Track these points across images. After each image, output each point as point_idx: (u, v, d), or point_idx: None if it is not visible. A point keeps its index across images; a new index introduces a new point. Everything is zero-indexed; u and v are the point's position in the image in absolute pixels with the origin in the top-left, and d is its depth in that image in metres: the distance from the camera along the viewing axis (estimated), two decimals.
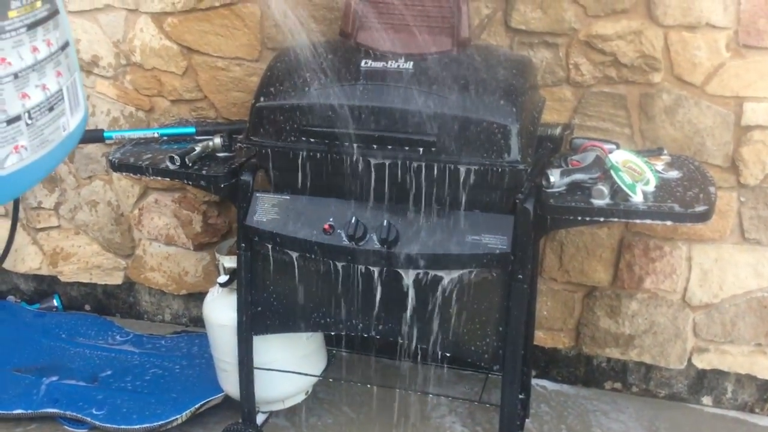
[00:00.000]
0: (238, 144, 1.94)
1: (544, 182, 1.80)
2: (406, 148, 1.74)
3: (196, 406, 2.27)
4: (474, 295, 1.84)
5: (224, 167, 2.00)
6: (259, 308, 2.01)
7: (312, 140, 1.81)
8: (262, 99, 1.87)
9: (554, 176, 1.79)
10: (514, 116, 1.72)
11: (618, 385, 2.52)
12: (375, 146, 1.76)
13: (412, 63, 1.81)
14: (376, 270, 1.86)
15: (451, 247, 1.79)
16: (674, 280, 2.31)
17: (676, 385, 2.46)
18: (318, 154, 1.83)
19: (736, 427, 2.35)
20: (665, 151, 1.97)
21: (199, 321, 2.83)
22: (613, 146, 1.97)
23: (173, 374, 2.46)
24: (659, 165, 1.89)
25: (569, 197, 1.77)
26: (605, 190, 1.72)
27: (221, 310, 2.13)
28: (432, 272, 1.83)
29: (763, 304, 2.27)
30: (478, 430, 2.32)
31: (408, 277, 1.85)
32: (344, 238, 1.85)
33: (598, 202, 1.73)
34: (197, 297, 2.81)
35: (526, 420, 2.34)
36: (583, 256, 2.36)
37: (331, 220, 1.87)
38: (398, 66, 1.81)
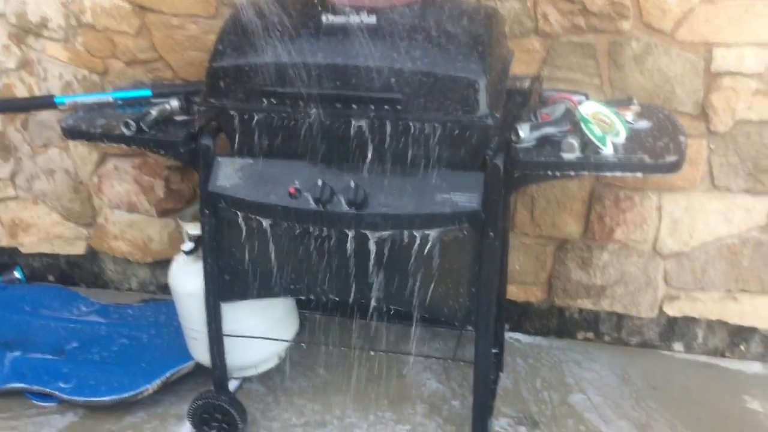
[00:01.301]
0: (196, 107, 1.86)
1: (513, 137, 1.75)
2: (371, 106, 1.68)
3: (167, 375, 2.24)
4: (445, 254, 1.80)
5: (183, 131, 1.92)
6: (226, 275, 1.97)
7: (273, 101, 1.74)
8: (218, 59, 1.78)
9: (524, 131, 1.74)
10: (481, 70, 1.67)
11: (590, 334, 2.53)
12: (338, 106, 1.70)
13: (375, 16, 1.73)
14: (344, 233, 1.82)
15: (420, 206, 1.75)
16: (645, 230, 2.31)
17: (647, 333, 2.48)
18: (280, 116, 1.76)
19: (707, 371, 2.39)
20: (635, 101, 1.93)
21: (166, 289, 2.75)
22: (583, 97, 1.92)
23: (141, 344, 2.41)
24: (629, 115, 1.86)
25: (539, 152, 1.73)
26: (575, 143, 1.68)
27: (187, 278, 2.08)
28: (402, 233, 1.79)
29: (733, 251, 2.28)
30: (453, 385, 2.32)
31: (377, 238, 1.81)
32: (311, 202, 1.79)
33: (568, 155, 1.69)
34: (164, 264, 2.74)
35: (501, 374, 2.35)
36: (554, 209, 2.34)
37: (296, 183, 1.81)
38: (361, 20, 1.73)
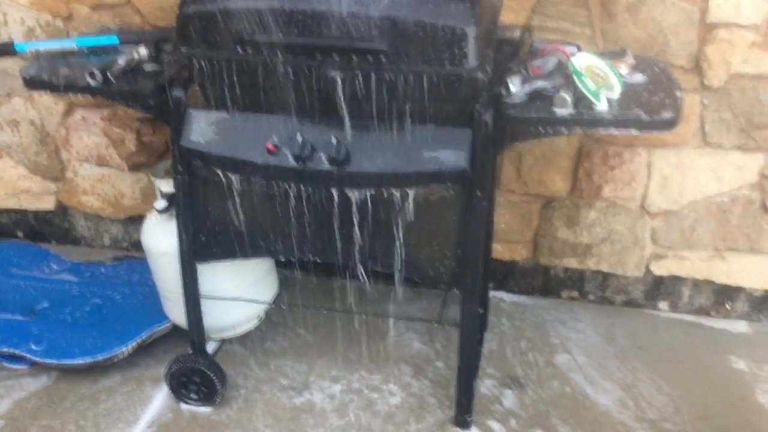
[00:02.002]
0: (166, 56, 1.74)
1: (503, 92, 1.66)
2: (353, 57, 1.58)
3: (142, 336, 2.16)
4: (431, 214, 1.73)
5: (152, 82, 1.80)
6: (201, 235, 1.88)
7: (247, 50, 1.63)
8: (188, 4, 1.66)
9: (514, 85, 1.65)
10: (471, 18, 1.56)
11: (575, 293, 2.49)
12: (319, 56, 1.59)
13: None
14: (326, 191, 1.74)
15: (405, 164, 1.67)
16: (633, 188, 2.25)
17: (632, 292, 2.44)
18: (255, 66, 1.65)
19: (692, 331, 2.36)
20: (629, 53, 1.84)
21: (140, 245, 2.66)
22: (575, 49, 1.83)
23: (115, 304, 2.33)
24: (623, 68, 1.77)
25: (530, 107, 1.64)
26: (568, 98, 1.60)
27: (161, 237, 1.99)
28: (386, 192, 1.71)
29: (723, 209, 2.23)
30: (437, 347, 2.28)
31: (360, 197, 1.73)
32: (290, 159, 1.70)
33: (561, 111, 1.61)
34: (137, 220, 2.65)
35: (485, 334, 2.31)
36: (542, 166, 2.27)
37: (274, 138, 1.72)
38: None
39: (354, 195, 1.72)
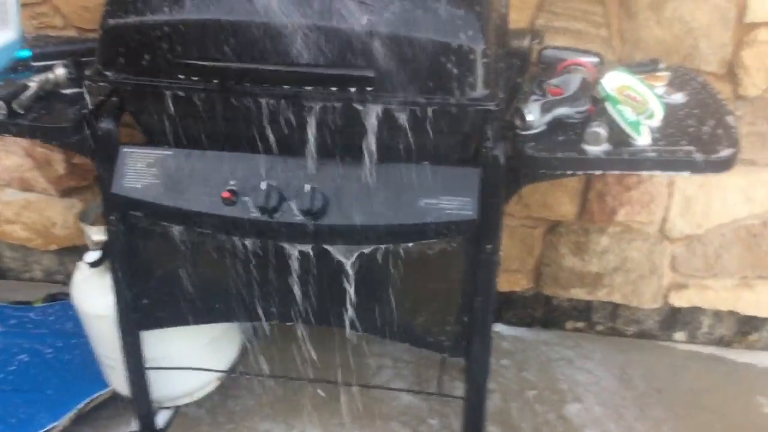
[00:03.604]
0: (87, 81, 1.36)
1: (518, 122, 1.33)
2: (331, 88, 1.23)
3: (79, 407, 1.80)
4: (429, 271, 1.40)
5: (73, 111, 1.42)
6: (144, 299, 1.52)
7: (195, 78, 1.26)
8: (115, 13, 1.28)
9: (532, 113, 1.32)
10: (478, 32, 1.22)
11: (581, 324, 2.20)
12: (287, 85, 1.24)
13: None
14: (297, 248, 1.39)
15: (398, 215, 1.33)
16: (652, 210, 1.94)
17: (646, 322, 2.15)
18: (206, 96, 1.29)
19: (714, 366, 2.09)
20: (662, 64, 1.52)
21: None
22: (596, 59, 1.51)
23: (46, 361, 1.96)
24: (659, 86, 1.45)
25: (553, 142, 1.31)
26: (602, 132, 1.27)
27: (95, 296, 1.63)
28: (372, 249, 1.37)
29: (752, 233, 1.95)
30: (431, 400, 1.96)
31: (340, 254, 1.39)
32: (252, 209, 1.35)
33: (593, 149, 1.28)
34: (72, 251, 2.27)
35: None
36: (546, 186, 1.95)
37: (232, 183, 1.36)
38: None
39: (332, 251, 1.39)
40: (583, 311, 2.17)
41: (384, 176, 1.33)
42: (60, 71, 1.46)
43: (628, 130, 1.28)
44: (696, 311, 2.10)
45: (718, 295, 2.04)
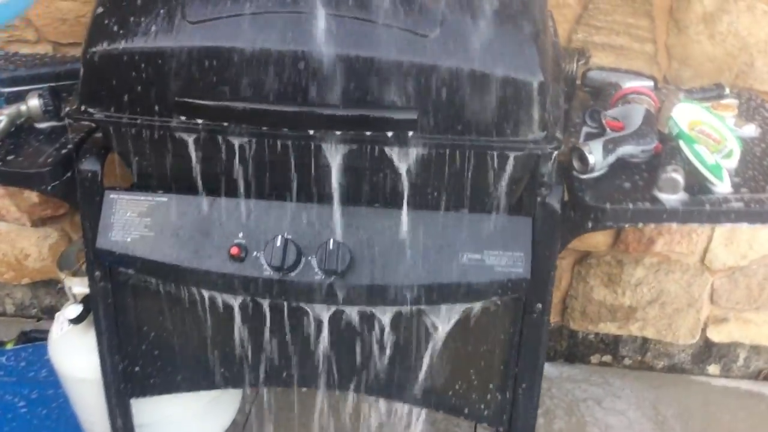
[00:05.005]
0: (68, 118, 1.14)
1: (577, 164, 1.14)
2: (365, 132, 1.02)
3: None
4: (467, 334, 1.22)
5: (51, 150, 1.21)
6: (135, 365, 1.31)
7: (197, 117, 1.05)
8: (101, 39, 1.06)
9: (594, 153, 1.13)
10: (536, 64, 1.02)
11: (607, 358, 2.03)
12: (312, 129, 1.03)
13: None
14: (315, 308, 1.20)
15: (436, 274, 1.13)
16: (693, 240, 1.77)
17: (677, 355, 1.99)
18: (208, 138, 1.08)
19: (753, 404, 1.93)
20: (726, 89, 1.34)
21: (54, 311, 2.10)
22: (650, 83, 1.33)
23: (18, 417, 1.73)
24: (729, 117, 1.27)
25: (618, 188, 1.12)
26: (680, 179, 1.09)
27: (77, 356, 1.41)
28: (405, 311, 1.18)
29: None
30: None
31: (366, 317, 1.20)
32: (266, 267, 1.15)
33: (669, 198, 1.09)
34: (48, 285, 2.05)
35: None
36: None
37: (240, 236, 1.16)
38: None
39: (358, 314, 1.19)
40: (610, 344, 2.00)
41: (419, 227, 1.14)
42: (34, 102, 1.24)
43: (707, 174, 1.10)
44: (731, 344, 1.94)
45: (760, 329, 1.89)
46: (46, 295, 2.09)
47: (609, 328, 1.93)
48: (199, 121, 1.04)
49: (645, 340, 1.97)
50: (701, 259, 1.80)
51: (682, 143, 1.13)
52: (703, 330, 1.91)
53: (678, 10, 1.52)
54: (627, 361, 2.02)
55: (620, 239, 1.79)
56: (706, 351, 1.97)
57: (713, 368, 2.01)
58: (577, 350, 2.02)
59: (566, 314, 1.93)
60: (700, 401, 1.94)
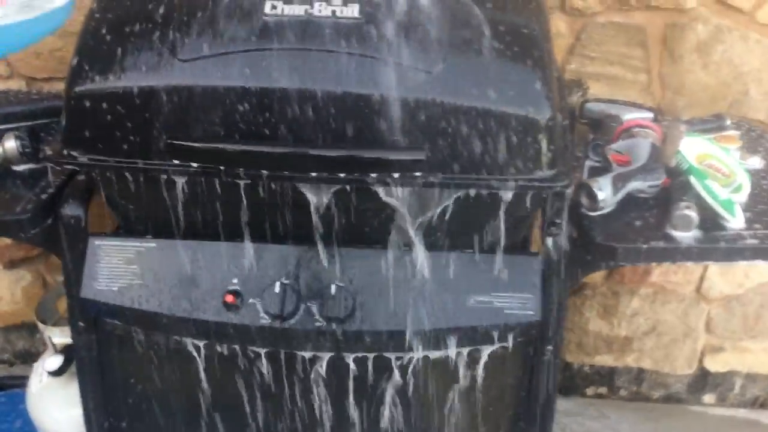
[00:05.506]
0: (49, 163, 1.07)
1: (585, 201, 1.10)
2: (370, 174, 0.97)
3: None
4: (475, 378, 1.16)
5: (30, 195, 1.13)
6: (122, 422, 1.24)
7: (188, 164, 0.99)
8: (84, 77, 1.00)
9: (604, 190, 1.09)
10: (545, 100, 0.99)
11: (603, 389, 1.99)
12: (313, 172, 0.98)
13: (357, 6, 1.00)
14: (314, 355, 1.14)
15: (443, 318, 1.08)
16: (689, 270, 1.75)
17: (673, 385, 1.96)
18: (205, 180, 1.02)
19: (751, 431, 1.92)
20: (727, 120, 1.32)
21: (28, 356, 2.01)
22: (650, 115, 1.30)
23: None
24: (734, 149, 1.25)
25: (629, 226, 1.09)
26: (694, 215, 1.06)
27: (57, 411, 1.34)
28: (409, 357, 1.12)
29: None
30: None
31: (369, 364, 1.14)
32: (262, 315, 1.09)
33: (683, 236, 1.06)
34: (21, 329, 1.96)
35: None
36: None
37: (235, 282, 1.10)
38: (334, 12, 0.99)
39: (361, 362, 1.14)
40: (606, 375, 1.96)
41: (424, 269, 1.08)
42: (11, 144, 1.16)
43: (719, 210, 1.07)
44: (727, 372, 1.92)
45: (757, 357, 1.86)
46: (19, 340, 1.99)
47: (605, 359, 1.89)
48: (193, 164, 0.98)
49: (641, 370, 1.93)
50: (697, 289, 1.78)
51: (692, 178, 1.10)
52: (700, 359, 1.88)
53: (672, 40, 1.51)
54: (623, 392, 1.99)
55: (615, 270, 1.76)
56: (702, 380, 1.94)
57: (708, 397, 1.98)
58: (572, 383, 1.98)
59: (562, 347, 1.89)
60: (697, 431, 1.91)
